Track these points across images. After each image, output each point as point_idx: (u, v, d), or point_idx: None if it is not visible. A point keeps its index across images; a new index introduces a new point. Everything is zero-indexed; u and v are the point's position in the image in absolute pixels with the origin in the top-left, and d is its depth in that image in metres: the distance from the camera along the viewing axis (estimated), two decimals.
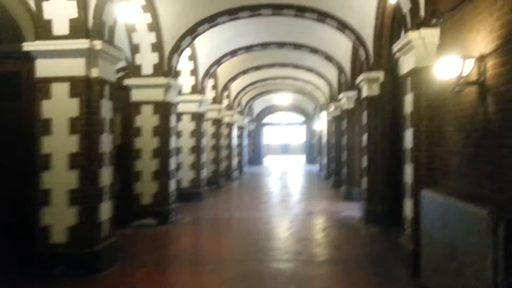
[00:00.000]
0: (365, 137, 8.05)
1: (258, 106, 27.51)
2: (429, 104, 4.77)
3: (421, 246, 4.31)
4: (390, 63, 7.64)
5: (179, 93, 10.95)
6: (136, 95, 8.08)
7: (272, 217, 8.86)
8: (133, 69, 8.16)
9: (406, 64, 5.23)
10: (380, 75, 7.66)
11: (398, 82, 7.35)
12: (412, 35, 4.83)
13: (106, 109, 5.30)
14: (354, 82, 10.63)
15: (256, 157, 27.79)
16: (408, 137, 5.07)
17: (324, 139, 17.05)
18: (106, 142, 5.34)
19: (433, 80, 4.70)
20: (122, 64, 9.95)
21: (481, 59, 3.46)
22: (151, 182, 8.11)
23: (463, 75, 3.51)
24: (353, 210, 9.26)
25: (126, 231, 7.55)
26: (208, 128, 13.95)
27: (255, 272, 5.08)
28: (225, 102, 16.73)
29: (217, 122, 14.27)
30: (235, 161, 18.01)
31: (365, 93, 8.03)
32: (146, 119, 8.05)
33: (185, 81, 11.13)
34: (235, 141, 17.90)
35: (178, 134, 11.09)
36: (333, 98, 14.20)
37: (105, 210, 5.39)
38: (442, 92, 4.45)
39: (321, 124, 19.04)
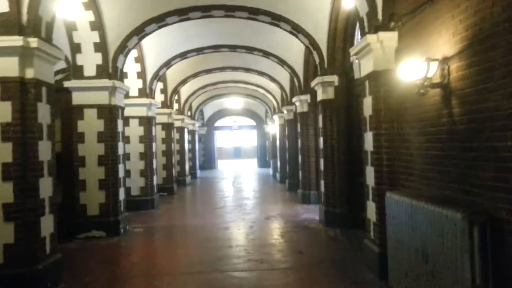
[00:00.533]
0: (321, 140, 8.04)
1: (209, 110, 27.10)
2: (388, 107, 4.76)
3: (388, 249, 4.26)
4: (344, 67, 7.70)
5: (126, 96, 10.38)
6: (78, 99, 7.44)
7: (230, 222, 8.57)
8: (74, 70, 7.52)
9: (364, 67, 5.22)
10: (334, 79, 7.68)
11: (352, 85, 7.43)
12: (370, 39, 4.81)
13: (43, 113, 4.74)
14: (308, 85, 10.72)
15: (208, 162, 27.33)
16: (369, 140, 5.05)
17: (278, 142, 17.05)
18: (45, 150, 4.78)
19: (393, 83, 4.72)
20: (61, 65, 9.27)
21: (444, 61, 3.46)
22: (97, 191, 7.50)
23: (428, 76, 3.48)
24: (312, 213, 9.23)
25: (71, 245, 6.95)
26: (158, 133, 13.35)
27: (216, 284, 4.78)
28: (175, 106, 16.21)
29: (167, 127, 13.73)
30: (187, 166, 17.48)
31: (320, 96, 8.02)
32: (90, 124, 7.44)
33: (132, 84, 10.50)
34: (186, 145, 17.39)
35: (127, 140, 10.49)
36: (285, 102, 14.23)
37: (47, 224, 4.83)
38: (403, 95, 4.45)
39: (274, 127, 19.07)
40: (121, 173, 7.88)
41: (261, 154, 28.01)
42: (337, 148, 7.66)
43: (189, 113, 19.65)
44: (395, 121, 4.71)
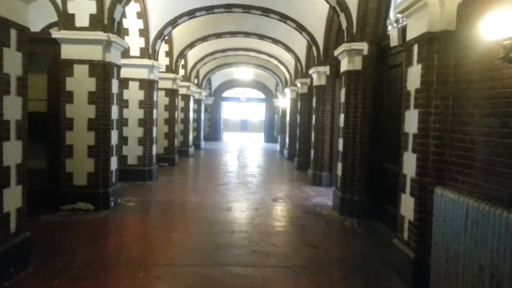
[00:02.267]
0: (342, 117, 7.04)
1: (217, 79, 25.99)
2: (444, 79, 3.74)
3: (433, 259, 3.37)
4: (376, 34, 6.61)
5: (126, 55, 9.38)
6: (67, 52, 6.45)
7: (233, 202, 7.73)
8: (64, 20, 6.49)
9: (412, 28, 4.16)
10: (364, 46, 6.61)
11: (385, 55, 6.37)
12: None
13: (9, 62, 3.79)
14: (327, 56, 9.64)
15: (213, 133, 26.50)
16: (412, 119, 4.06)
17: (288, 117, 16.05)
18: (10, 107, 3.86)
19: (452, 49, 3.69)
20: (47, 12, 8.24)
21: None
22: (86, 158, 6.64)
23: None
24: (323, 197, 8.37)
25: (53, 217, 6.19)
26: (161, 99, 12.40)
27: (214, 283, 3.95)
28: (181, 72, 15.16)
29: (171, 93, 12.74)
30: (190, 137, 16.60)
31: (344, 67, 6.97)
32: (80, 82, 6.50)
33: (134, 43, 9.50)
34: (191, 115, 16.44)
35: (125, 104, 9.57)
36: (299, 74, 13.12)
37: (13, 197, 3.98)
38: (467, 64, 3.43)
39: (285, 101, 18.01)
40: (113, 140, 6.99)
41: (269, 129, 27.04)
42: (360, 128, 6.67)
43: (195, 81, 18.59)
44: (451, 97, 3.71)
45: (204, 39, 12.85)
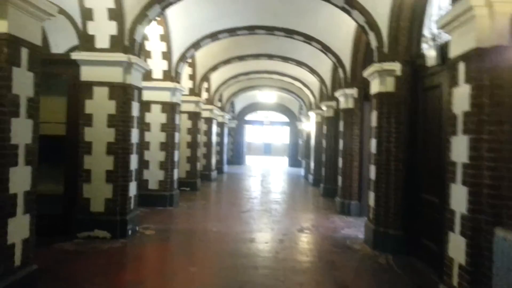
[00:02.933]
0: (374, 142, 6.55)
1: (240, 102, 25.93)
2: (498, 100, 3.27)
3: None
4: (409, 53, 6.18)
5: (149, 78, 9.28)
6: (87, 74, 6.30)
7: (256, 232, 7.27)
8: (84, 41, 6.38)
9: (457, 44, 3.72)
10: (396, 67, 6.17)
11: (420, 75, 5.90)
12: (474, 1, 3.33)
13: (19, 82, 3.58)
14: (355, 78, 9.24)
15: (236, 157, 26.22)
16: (460, 146, 3.57)
17: (313, 141, 15.58)
18: (19, 131, 3.62)
19: (507, 66, 3.23)
20: (70, 34, 8.25)
21: None
22: (104, 184, 6.37)
23: None
24: (353, 228, 7.78)
25: (68, 245, 5.90)
26: (183, 122, 12.24)
27: None
28: (205, 95, 15.06)
29: (194, 116, 12.57)
30: (213, 160, 16.33)
31: (375, 88, 6.53)
32: (100, 105, 6.31)
33: (156, 65, 9.41)
34: (214, 138, 16.22)
35: (146, 127, 9.40)
36: (325, 97, 12.73)
37: (18, 228, 3.72)
38: None
39: (309, 125, 17.59)
40: (133, 165, 6.73)
41: (292, 153, 26.57)
42: (395, 154, 6.16)
43: (219, 104, 18.49)
44: (507, 121, 3.22)
45: (227, 62, 12.73)
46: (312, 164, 15.77)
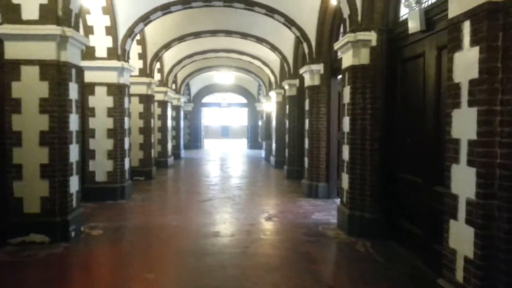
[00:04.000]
0: (347, 120, 6.00)
1: (196, 84, 24.78)
2: None
3: None
4: (386, 20, 5.61)
5: (92, 57, 8.16)
6: (12, 51, 5.22)
7: (219, 224, 6.58)
8: (7, 12, 5.20)
9: (460, 1, 3.13)
10: (372, 36, 5.59)
11: (398, 45, 5.37)
12: None
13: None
14: (321, 53, 8.65)
15: (194, 141, 25.22)
16: (465, 121, 3.02)
17: (274, 122, 14.99)
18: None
19: None
20: None
21: None
22: (38, 180, 5.37)
23: None
24: (323, 212, 7.31)
25: None
26: (134, 106, 11.16)
27: None
28: (157, 77, 13.94)
29: (146, 99, 11.51)
30: (169, 146, 15.32)
31: (348, 61, 5.93)
32: (30, 87, 5.27)
33: (99, 42, 8.23)
34: (169, 122, 15.17)
35: (91, 112, 8.29)
36: (286, 75, 12.09)
37: None
38: None
39: (270, 105, 16.99)
40: (73, 157, 5.73)
41: (252, 135, 25.97)
42: (371, 133, 5.65)
43: (173, 86, 17.36)
44: None
45: (181, 39, 11.67)
46: (274, 146, 15.24)
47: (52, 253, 5.02)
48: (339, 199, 8.28)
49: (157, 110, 14.09)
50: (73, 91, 5.69)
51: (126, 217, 7.16)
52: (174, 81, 17.57)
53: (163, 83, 14.29)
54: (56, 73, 5.33)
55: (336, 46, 6.27)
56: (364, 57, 5.66)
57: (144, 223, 6.74)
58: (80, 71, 6.16)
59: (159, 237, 5.96)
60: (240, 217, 7.07)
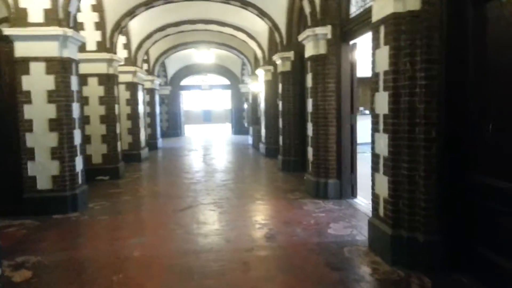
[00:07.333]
0: (384, 97, 4.08)
1: (173, 65, 22.50)
2: None
3: None
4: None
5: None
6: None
7: (203, 251, 4.66)
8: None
9: None
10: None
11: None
12: None
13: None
14: (327, 12, 6.62)
15: (173, 128, 23.17)
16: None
17: (263, 104, 13.02)
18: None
19: None
20: None
21: None
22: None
23: None
24: (342, 223, 5.49)
25: None
26: (93, 89, 9.06)
27: None
28: (124, 54, 11.75)
29: (107, 80, 9.32)
30: (142, 136, 13.22)
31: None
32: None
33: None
34: (141, 108, 13.02)
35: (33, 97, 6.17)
36: (278, 47, 10.06)
37: None
38: None
39: (257, 85, 14.98)
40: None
41: (237, 119, 24.01)
42: (424, 114, 3.76)
43: (145, 67, 15.15)
44: None
45: (148, 4, 9.46)
46: (263, 131, 13.32)
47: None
48: (354, 200, 6.54)
49: (124, 94, 11.94)
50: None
51: (72, 243, 5.13)
52: (146, 61, 15.33)
53: (130, 61, 12.09)
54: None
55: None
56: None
57: (94, 255, 4.65)
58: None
59: (111, 282, 3.95)
60: (231, 236, 5.16)
